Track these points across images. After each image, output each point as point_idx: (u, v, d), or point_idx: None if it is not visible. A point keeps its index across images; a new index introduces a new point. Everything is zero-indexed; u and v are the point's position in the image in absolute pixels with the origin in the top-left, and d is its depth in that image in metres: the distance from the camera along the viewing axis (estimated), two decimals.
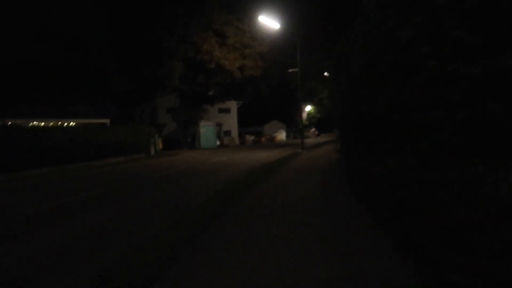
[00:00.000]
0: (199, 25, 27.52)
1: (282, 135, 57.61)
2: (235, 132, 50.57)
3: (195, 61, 28.69)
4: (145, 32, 28.25)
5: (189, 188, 10.25)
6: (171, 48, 27.59)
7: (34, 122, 24.85)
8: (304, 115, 65.40)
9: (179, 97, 33.63)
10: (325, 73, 42.94)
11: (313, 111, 70.54)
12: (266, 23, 23.91)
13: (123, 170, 16.84)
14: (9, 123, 17.90)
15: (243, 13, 28.85)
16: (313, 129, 70.54)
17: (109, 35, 30.68)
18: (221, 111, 48.48)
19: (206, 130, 34.81)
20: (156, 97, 40.42)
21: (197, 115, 34.62)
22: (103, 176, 14.58)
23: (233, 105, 50.07)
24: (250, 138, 48.32)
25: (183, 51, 27.56)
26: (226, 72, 29.50)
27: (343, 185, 8.70)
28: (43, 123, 24.87)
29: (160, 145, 28.00)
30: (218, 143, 38.09)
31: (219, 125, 43.43)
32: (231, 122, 49.98)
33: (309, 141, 43.10)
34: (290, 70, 27.59)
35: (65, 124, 25.27)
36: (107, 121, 26.87)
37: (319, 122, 77.27)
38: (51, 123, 24.88)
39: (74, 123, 25.53)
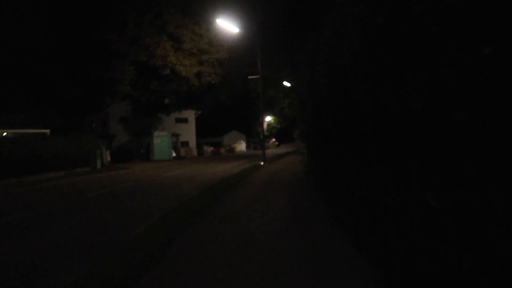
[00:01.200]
0: (152, 27, 25.51)
1: (242, 146, 56.07)
2: (193, 143, 48.35)
3: (148, 66, 26.56)
4: (92, 32, 25.83)
5: (128, 213, 8.30)
6: (121, 51, 25.33)
7: None
8: (264, 126, 64.50)
9: (131, 105, 31.17)
10: (285, 83, 42.12)
11: (273, 121, 69.79)
12: (225, 26, 22.39)
13: (57, 187, 14.43)
14: None
15: (200, 17, 27.20)
16: (273, 140, 69.65)
17: (52, 37, 27.86)
18: (178, 121, 46.21)
19: (160, 141, 32.48)
20: (107, 106, 37.61)
21: (151, 125, 32.25)
22: (26, 196, 12.18)
23: (191, 114, 47.95)
24: (208, 149, 46.31)
25: (135, 54, 25.39)
26: (182, 79, 27.57)
27: (317, 206, 7.15)
28: None
29: (108, 158, 25.45)
30: (174, 154, 35.80)
31: (176, 135, 41.14)
32: (189, 132, 47.78)
33: (270, 151, 41.78)
34: (250, 77, 26.16)
35: None
36: (47, 131, 23.97)
37: (279, 133, 76.66)
38: None
39: (6, 133, 22.52)
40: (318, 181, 8.25)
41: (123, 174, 19.78)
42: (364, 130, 3.52)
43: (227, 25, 22.22)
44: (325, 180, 6.75)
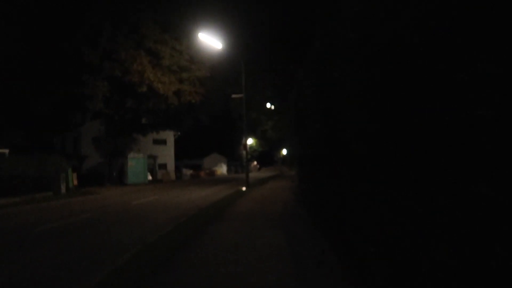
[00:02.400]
0: (128, 40, 23.78)
1: (222, 169, 54.14)
2: (171, 165, 46.09)
3: (123, 83, 24.66)
4: (63, 42, 23.86)
5: (74, 259, 6.30)
6: (93, 64, 23.39)
7: None
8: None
9: (104, 124, 29.01)
10: (268, 104, 40.76)
11: (254, 144, 68.27)
12: (207, 42, 20.92)
13: (1, 218, 12.18)
14: None
15: (181, 32, 25.66)
16: (254, 163, 68.00)
17: (21, 47, 25.67)
18: (156, 142, 44.04)
19: (135, 163, 30.27)
20: (80, 124, 35.21)
21: (125, 146, 30.05)
22: None
23: (169, 135, 45.92)
24: (187, 172, 44.21)
25: (109, 69, 23.49)
26: (160, 97, 25.73)
27: (329, 259, 5.36)
28: None
29: (75, 181, 23.07)
30: (150, 178, 33.53)
31: (153, 157, 38.93)
32: (167, 154, 45.57)
33: (252, 175, 39.87)
34: (233, 96, 24.58)
35: None
36: (6, 151, 21.51)
37: (260, 156, 74.94)
38: None
39: None
40: (323, 217, 6.50)
41: (89, 201, 17.58)
42: None
43: (210, 40, 20.76)
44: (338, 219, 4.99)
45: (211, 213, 10.76)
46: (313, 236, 6.82)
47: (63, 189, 20.52)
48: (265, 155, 78.97)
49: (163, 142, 45.61)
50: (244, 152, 24.40)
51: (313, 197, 8.35)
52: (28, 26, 23.58)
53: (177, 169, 46.08)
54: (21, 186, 18.34)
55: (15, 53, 24.23)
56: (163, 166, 44.16)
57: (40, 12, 23.90)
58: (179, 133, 46.91)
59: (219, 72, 29.43)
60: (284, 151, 74.10)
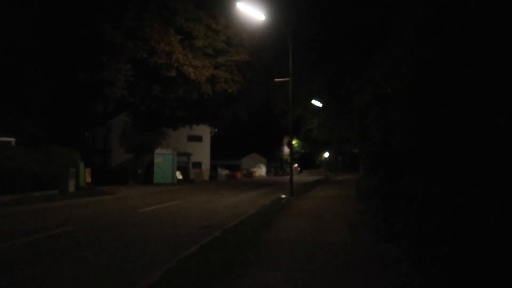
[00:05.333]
0: (156, 16, 20.32)
1: (261, 171, 50.15)
2: (207, 164, 42.65)
3: (149, 67, 21.23)
4: (85, 28, 20.90)
5: None
6: (115, 45, 20.15)
7: None
8: (287, 149, 58.35)
9: (130, 115, 25.86)
10: (314, 101, 36.05)
11: (296, 145, 63.69)
12: (247, 13, 16.91)
13: None
14: None
15: (218, 9, 21.89)
16: (295, 165, 63.45)
17: (43, 37, 22.97)
18: (191, 138, 40.73)
19: (163, 159, 26.91)
20: (110, 117, 32.49)
21: (153, 141, 26.74)
22: None
23: (205, 132, 42.50)
24: (223, 172, 40.61)
25: (132, 49, 20.12)
26: (191, 83, 22.07)
27: None
28: None
29: (88, 178, 19.87)
30: (180, 177, 30.12)
31: (187, 155, 35.61)
32: (202, 152, 42.15)
33: (293, 179, 35.66)
34: (277, 80, 20.41)
35: None
36: (12, 139, 18.63)
37: (301, 158, 70.19)
38: None
39: None
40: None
41: (96, 204, 14.19)
42: None
43: (250, 12, 16.74)
44: None
45: (233, 242, 6.61)
46: None
47: (71, 187, 17.28)
48: (306, 158, 74.26)
49: (199, 138, 42.27)
50: (287, 152, 20.41)
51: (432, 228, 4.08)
52: (46, 6, 20.79)
53: (214, 168, 42.67)
54: (18, 183, 15.22)
55: (34, 37, 21.58)
56: (198, 165, 40.83)
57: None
58: (216, 129, 43.48)
59: (261, 60, 25.37)
60: (327, 154, 69.02)
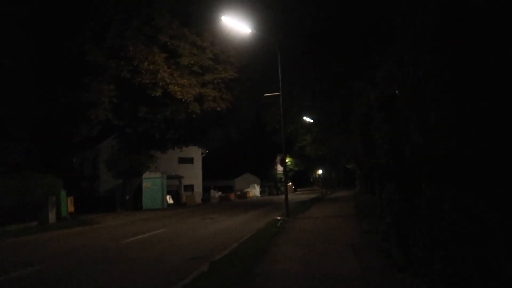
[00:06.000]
0: (139, 35, 19.55)
1: (255, 191, 48.91)
2: (199, 187, 41.45)
3: (134, 87, 20.34)
4: (67, 48, 20.09)
5: None
6: (97, 64, 19.28)
7: None
8: (280, 168, 57.24)
9: (116, 138, 24.80)
10: (305, 118, 35.26)
11: (290, 163, 62.68)
12: (232, 26, 16.25)
13: None
14: None
15: (204, 26, 21.23)
16: (289, 184, 62.25)
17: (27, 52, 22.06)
18: (182, 161, 39.66)
19: (152, 184, 25.74)
20: (101, 140, 31.37)
21: (141, 165, 25.63)
22: None
23: (196, 153, 41.49)
24: (216, 194, 39.37)
25: (115, 68, 19.26)
26: (179, 103, 21.17)
27: None
28: None
29: (71, 207, 18.64)
30: (170, 201, 28.87)
31: (178, 178, 34.47)
32: (194, 174, 41.02)
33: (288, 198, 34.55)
34: (267, 95, 19.59)
35: None
36: None
37: (295, 176, 69.07)
38: None
39: None
40: None
41: (76, 236, 13.02)
42: None
43: (236, 25, 16.07)
44: None
45: (223, 278, 5.57)
46: None
47: (51, 218, 16.06)
48: (300, 175, 73.16)
49: (190, 160, 41.21)
50: (280, 170, 19.33)
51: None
52: (28, 23, 19.95)
53: (206, 190, 41.47)
54: None
55: (14, 58, 20.61)
56: (190, 188, 39.61)
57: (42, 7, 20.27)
58: (207, 150, 42.48)
59: (250, 76, 24.66)
60: (320, 171, 67.99)
